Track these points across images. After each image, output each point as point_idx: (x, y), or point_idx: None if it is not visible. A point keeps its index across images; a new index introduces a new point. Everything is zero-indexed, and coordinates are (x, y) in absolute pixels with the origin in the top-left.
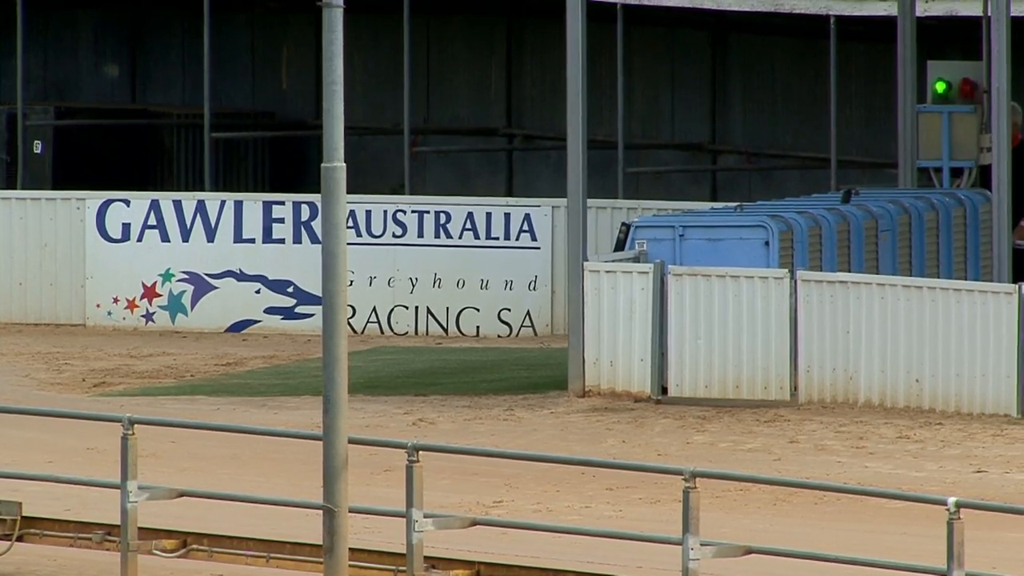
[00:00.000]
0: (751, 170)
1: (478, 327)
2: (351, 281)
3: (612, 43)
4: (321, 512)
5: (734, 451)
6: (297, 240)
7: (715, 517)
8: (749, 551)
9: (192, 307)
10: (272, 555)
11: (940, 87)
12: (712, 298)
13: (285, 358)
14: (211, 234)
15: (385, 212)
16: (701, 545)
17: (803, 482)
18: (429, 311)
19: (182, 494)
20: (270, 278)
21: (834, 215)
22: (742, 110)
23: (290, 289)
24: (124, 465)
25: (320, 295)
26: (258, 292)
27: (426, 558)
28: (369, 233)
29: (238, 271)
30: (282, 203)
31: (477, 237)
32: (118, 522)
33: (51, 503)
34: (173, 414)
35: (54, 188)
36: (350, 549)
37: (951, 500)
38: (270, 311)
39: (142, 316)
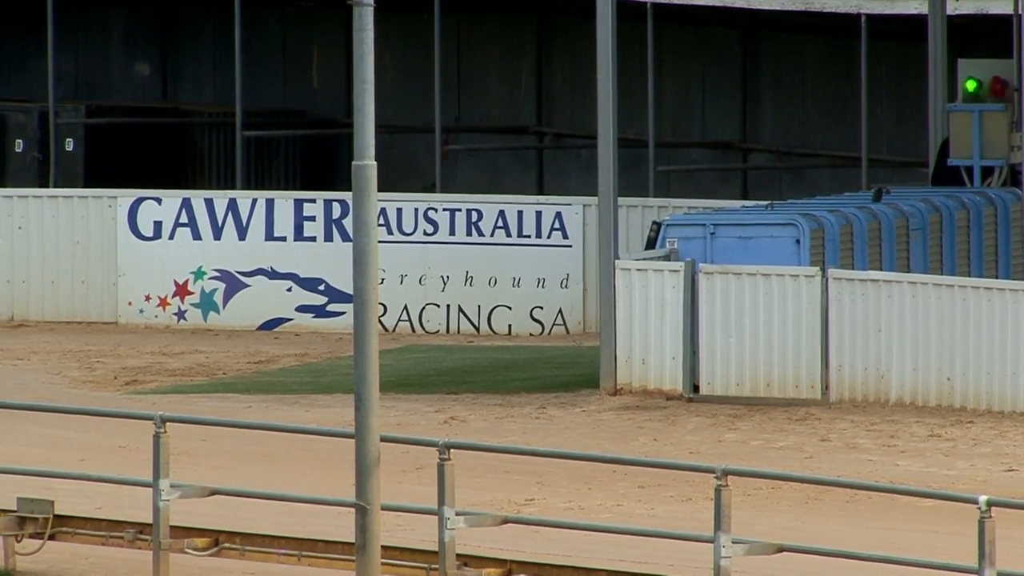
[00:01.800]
0: (782, 168)
1: (510, 325)
2: (382, 279)
3: (642, 42)
4: (353, 510)
5: (765, 449)
6: (328, 238)
7: (746, 515)
8: (781, 549)
9: (224, 305)
10: (304, 553)
11: (971, 85)
12: (743, 296)
13: (317, 356)
14: (243, 232)
15: (416, 210)
16: (733, 543)
17: (834, 480)
18: (460, 309)
19: (214, 492)
20: (301, 276)
21: (865, 214)
22: (773, 108)
23: (321, 287)
24: (156, 463)
25: (351, 293)
26: (289, 290)
27: (458, 556)
28: (400, 231)
29: (269, 269)
30: (313, 201)
31: (509, 235)
32: (150, 520)
33: (83, 501)
34: (205, 412)
35: (86, 186)
36: (382, 547)
37: (982, 499)
38: (302, 309)
39: (174, 314)
